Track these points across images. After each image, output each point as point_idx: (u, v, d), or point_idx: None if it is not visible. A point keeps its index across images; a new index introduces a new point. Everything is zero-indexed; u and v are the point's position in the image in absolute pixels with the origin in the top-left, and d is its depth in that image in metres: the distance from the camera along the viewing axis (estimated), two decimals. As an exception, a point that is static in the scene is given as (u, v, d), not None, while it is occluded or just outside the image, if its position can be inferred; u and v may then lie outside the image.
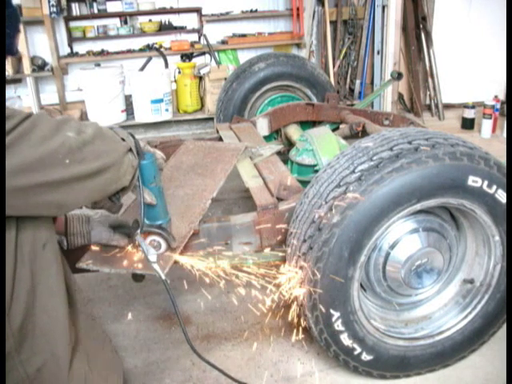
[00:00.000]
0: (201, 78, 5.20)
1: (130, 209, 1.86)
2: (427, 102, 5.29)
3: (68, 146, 1.07)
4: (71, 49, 5.31)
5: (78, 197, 1.15)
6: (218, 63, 5.23)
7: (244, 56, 5.35)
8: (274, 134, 3.20)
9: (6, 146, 0.97)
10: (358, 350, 1.64)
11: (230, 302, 2.26)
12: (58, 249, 1.25)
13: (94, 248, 1.60)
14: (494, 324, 1.78)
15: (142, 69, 5.09)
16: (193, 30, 5.51)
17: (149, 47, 5.34)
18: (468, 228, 1.76)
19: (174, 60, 5.34)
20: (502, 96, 4.90)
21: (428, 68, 5.12)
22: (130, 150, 1.30)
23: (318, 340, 1.64)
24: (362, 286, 1.72)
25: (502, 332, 1.81)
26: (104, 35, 5.32)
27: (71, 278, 1.35)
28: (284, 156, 2.65)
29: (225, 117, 3.26)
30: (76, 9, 5.15)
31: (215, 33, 5.53)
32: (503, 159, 1.80)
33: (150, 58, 5.17)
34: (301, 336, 1.78)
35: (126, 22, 5.37)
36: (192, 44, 5.34)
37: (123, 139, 1.29)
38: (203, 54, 5.39)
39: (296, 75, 3.31)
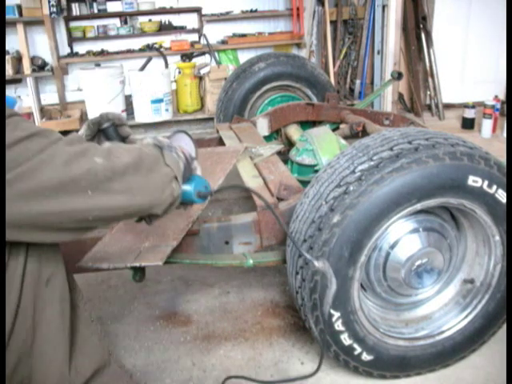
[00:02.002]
0: (201, 78, 5.20)
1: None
2: (427, 101, 5.29)
3: (94, 173, 0.95)
4: (71, 49, 5.30)
5: (93, 226, 1.05)
6: (218, 63, 5.23)
7: (244, 56, 5.35)
8: (274, 133, 3.20)
9: (31, 168, 0.88)
10: (358, 350, 1.64)
11: (230, 301, 2.26)
12: (65, 283, 1.13)
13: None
14: (494, 324, 1.78)
15: (142, 69, 5.09)
16: (193, 30, 5.51)
17: (149, 47, 5.34)
18: (468, 228, 1.75)
19: (174, 60, 5.34)
20: (502, 96, 4.90)
21: (428, 68, 5.12)
22: (175, 177, 1.13)
23: (319, 340, 1.64)
24: (362, 285, 1.72)
25: (502, 332, 1.81)
26: (104, 35, 5.32)
27: (79, 305, 1.21)
28: (284, 156, 2.64)
29: (225, 117, 3.26)
30: (76, 9, 5.15)
31: (215, 33, 5.53)
32: (503, 159, 1.80)
33: (150, 58, 5.16)
34: (301, 336, 1.78)
35: (125, 22, 5.36)
36: (192, 44, 5.33)
37: (168, 165, 1.11)
38: (203, 54, 5.39)
39: (296, 75, 3.30)
